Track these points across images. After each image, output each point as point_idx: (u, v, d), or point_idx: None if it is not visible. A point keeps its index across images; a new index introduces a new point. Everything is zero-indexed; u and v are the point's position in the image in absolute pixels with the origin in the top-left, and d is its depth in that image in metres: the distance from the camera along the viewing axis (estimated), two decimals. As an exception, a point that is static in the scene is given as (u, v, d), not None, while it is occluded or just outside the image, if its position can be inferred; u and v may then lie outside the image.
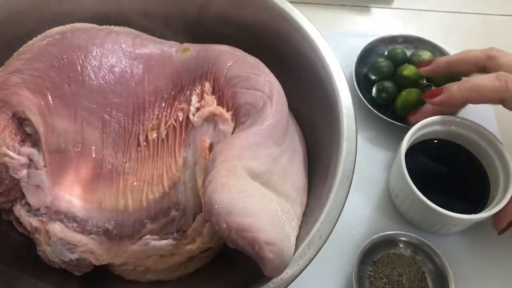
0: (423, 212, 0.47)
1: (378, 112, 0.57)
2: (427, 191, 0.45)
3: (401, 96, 0.56)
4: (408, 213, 0.50)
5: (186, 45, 0.48)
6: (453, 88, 0.47)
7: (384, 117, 0.56)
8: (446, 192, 0.49)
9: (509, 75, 0.44)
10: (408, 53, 0.62)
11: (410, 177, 0.46)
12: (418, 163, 0.50)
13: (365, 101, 0.58)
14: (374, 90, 0.59)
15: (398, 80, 0.58)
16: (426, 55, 0.60)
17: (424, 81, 0.59)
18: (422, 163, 0.50)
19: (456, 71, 0.51)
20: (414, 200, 0.46)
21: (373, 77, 0.60)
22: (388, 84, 0.58)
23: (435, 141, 0.51)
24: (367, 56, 0.62)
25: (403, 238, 0.49)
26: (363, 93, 0.59)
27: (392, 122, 0.56)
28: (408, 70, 0.58)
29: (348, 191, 0.39)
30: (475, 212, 0.46)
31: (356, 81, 0.59)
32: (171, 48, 0.47)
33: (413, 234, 0.48)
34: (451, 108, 0.52)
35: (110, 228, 0.42)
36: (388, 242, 0.49)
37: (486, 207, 0.46)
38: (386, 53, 0.63)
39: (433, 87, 0.57)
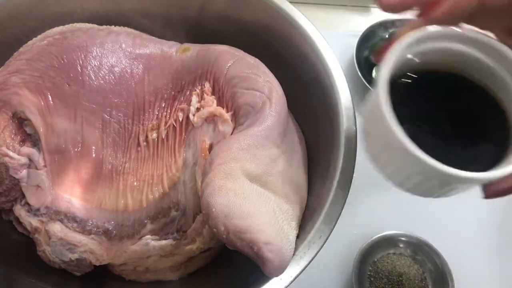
0: (417, 173, 0.31)
1: None
2: (421, 143, 0.29)
3: None
4: (395, 175, 0.33)
5: (186, 45, 0.48)
6: None
7: None
8: (446, 143, 0.33)
9: None
10: None
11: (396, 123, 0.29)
12: (403, 104, 0.31)
13: (366, 83, 0.60)
14: (374, 71, 0.62)
15: None
16: None
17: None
18: (409, 104, 0.32)
19: (490, 3, 0.30)
20: (403, 157, 0.29)
21: (373, 60, 0.62)
22: None
23: (428, 71, 0.33)
24: (368, 39, 0.64)
25: (403, 238, 0.49)
26: (364, 75, 0.61)
27: None
28: None
29: (348, 191, 0.39)
30: (488, 168, 0.30)
31: (357, 63, 0.61)
32: (171, 48, 0.47)
33: (413, 234, 0.48)
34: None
35: (110, 228, 0.42)
36: (388, 242, 0.49)
37: (502, 161, 0.30)
38: (386, 36, 0.65)
39: None
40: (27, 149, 0.42)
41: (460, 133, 0.33)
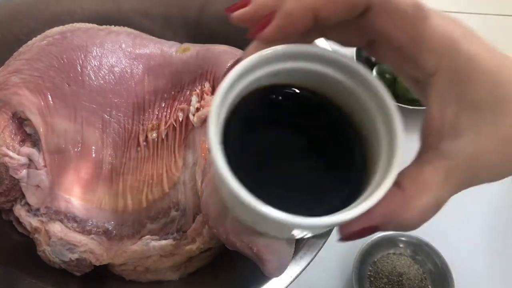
0: (252, 216, 0.25)
1: None
2: (256, 180, 0.24)
3: None
4: (240, 216, 0.28)
5: (186, 45, 0.48)
6: (290, 3, 0.24)
7: None
8: (288, 178, 0.26)
9: None
10: None
11: (226, 151, 0.23)
12: (238, 132, 0.25)
13: None
14: (374, 71, 0.61)
15: None
16: None
17: None
18: (245, 132, 0.26)
19: (323, 19, 0.24)
20: (233, 199, 0.23)
21: (373, 59, 0.62)
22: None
23: (270, 88, 0.27)
24: None
25: (403, 238, 0.49)
26: None
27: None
28: None
29: (348, 191, 0.38)
30: (339, 207, 0.23)
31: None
32: (171, 48, 0.47)
33: (413, 234, 0.48)
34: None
35: (110, 228, 0.42)
36: (388, 242, 0.49)
37: (355, 199, 0.24)
38: None
39: None
40: (27, 149, 0.42)
41: (312, 167, 0.27)
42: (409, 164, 0.24)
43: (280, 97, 0.27)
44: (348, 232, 0.24)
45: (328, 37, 0.26)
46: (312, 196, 0.25)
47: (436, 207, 0.24)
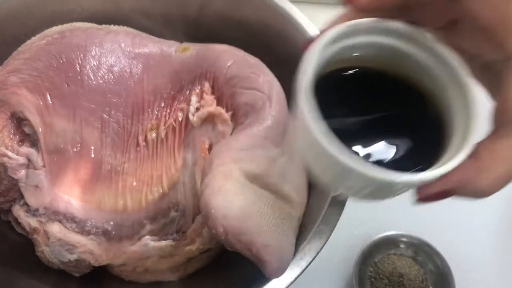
0: (340, 174, 0.27)
1: None
2: (348, 143, 0.26)
3: None
4: (321, 176, 0.29)
5: (185, 44, 0.47)
6: None
7: None
8: (375, 143, 0.29)
9: None
10: None
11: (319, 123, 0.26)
12: (329, 102, 0.28)
13: None
14: None
15: None
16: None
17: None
18: (336, 102, 0.29)
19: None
20: (324, 157, 0.26)
21: None
22: None
23: (357, 67, 0.30)
24: None
25: (404, 239, 0.49)
26: None
27: None
28: None
29: (349, 191, 0.38)
30: (419, 170, 0.27)
31: None
32: (170, 48, 0.47)
33: (414, 235, 0.48)
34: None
35: (109, 229, 0.42)
36: (389, 243, 0.48)
37: (435, 163, 0.27)
38: None
39: None
40: (26, 149, 0.42)
41: (392, 133, 0.30)
42: (484, 137, 0.25)
43: (361, 72, 0.30)
44: (426, 194, 0.26)
45: (411, 16, 0.27)
46: (392, 161, 0.28)
47: (508, 178, 0.25)
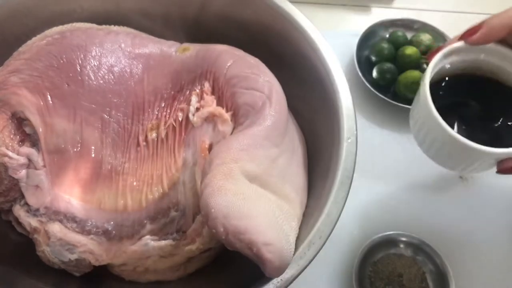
0: (449, 147, 0.40)
1: (379, 93, 0.58)
2: (454, 126, 0.41)
3: (403, 76, 0.58)
4: (430, 149, 0.43)
5: (185, 44, 0.48)
6: (493, 20, 0.40)
7: (385, 98, 0.57)
8: (474, 128, 0.43)
9: None
10: (409, 36, 0.64)
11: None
12: (443, 99, 0.42)
13: (366, 83, 0.59)
14: (375, 71, 0.61)
15: (399, 61, 0.60)
16: (426, 37, 0.61)
17: (424, 62, 0.60)
18: (448, 99, 0.43)
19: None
20: (439, 133, 0.39)
21: (374, 59, 0.62)
22: (389, 65, 0.59)
23: (462, 74, 0.44)
24: (368, 39, 0.64)
25: (403, 239, 0.49)
26: (364, 75, 0.60)
27: (393, 102, 0.57)
28: (410, 50, 0.60)
29: (348, 191, 0.38)
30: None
31: (357, 63, 0.60)
32: (170, 48, 0.47)
33: (413, 235, 0.48)
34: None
35: (110, 229, 0.42)
36: (388, 242, 0.49)
37: None
38: (387, 35, 0.65)
39: None
40: (26, 149, 0.42)
41: (486, 120, 0.43)
42: None
43: (466, 80, 0.44)
44: (505, 167, 0.39)
45: (508, 44, 0.41)
46: (484, 141, 0.38)
47: None
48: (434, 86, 0.41)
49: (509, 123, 0.43)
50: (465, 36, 0.41)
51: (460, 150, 0.39)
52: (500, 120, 0.43)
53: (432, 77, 0.41)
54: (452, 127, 0.39)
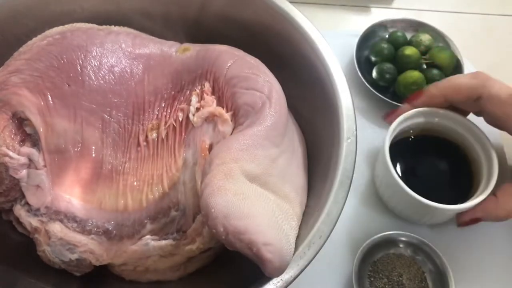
0: (409, 205, 0.48)
1: (379, 93, 0.58)
2: (413, 184, 0.45)
3: (403, 76, 0.58)
4: (396, 207, 0.51)
5: (186, 45, 0.48)
6: (432, 88, 0.49)
7: (385, 98, 0.57)
8: (431, 184, 0.50)
9: (486, 74, 0.46)
10: (408, 36, 0.63)
11: (395, 171, 0.47)
12: (402, 157, 0.50)
13: (366, 83, 0.59)
14: (374, 71, 0.61)
15: (399, 61, 0.60)
16: (426, 38, 0.61)
17: (424, 62, 0.60)
18: (406, 157, 0.51)
19: (451, 101, 0.48)
20: (400, 193, 0.46)
21: (373, 59, 0.62)
22: (389, 66, 0.59)
23: (418, 135, 0.52)
24: (368, 39, 0.64)
25: (403, 238, 0.49)
26: (364, 75, 0.60)
27: (393, 103, 0.57)
28: (410, 50, 0.60)
29: (348, 191, 0.39)
30: (459, 203, 0.46)
31: (357, 63, 0.60)
32: (170, 48, 0.47)
33: (413, 234, 0.48)
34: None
35: (110, 228, 0.42)
36: (388, 242, 0.49)
37: (469, 198, 0.46)
38: (387, 36, 0.65)
39: (434, 70, 0.59)
40: (27, 149, 0.42)
41: (440, 176, 0.51)
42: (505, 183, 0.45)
43: (420, 139, 0.52)
44: (462, 220, 0.47)
45: (454, 106, 0.49)
46: (440, 197, 0.45)
47: None
48: (399, 144, 0.50)
49: (463, 181, 0.49)
50: (410, 100, 0.50)
51: (421, 207, 0.45)
52: (458, 178, 0.50)
53: (395, 136, 0.49)
54: (415, 186, 0.45)
